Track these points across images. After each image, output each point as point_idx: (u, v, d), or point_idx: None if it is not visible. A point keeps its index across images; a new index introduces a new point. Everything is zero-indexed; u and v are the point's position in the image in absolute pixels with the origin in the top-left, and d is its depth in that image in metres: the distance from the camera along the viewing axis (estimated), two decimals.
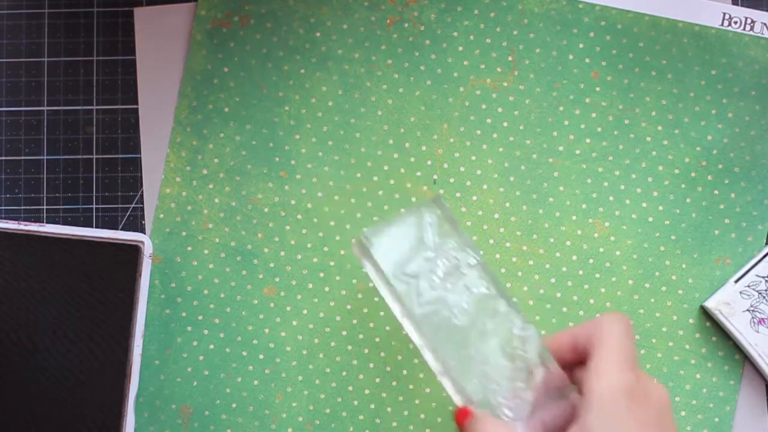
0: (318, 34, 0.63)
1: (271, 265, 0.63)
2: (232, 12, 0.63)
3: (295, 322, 0.62)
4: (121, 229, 0.63)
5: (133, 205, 0.63)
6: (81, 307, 0.60)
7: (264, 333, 0.62)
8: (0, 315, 0.60)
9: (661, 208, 0.62)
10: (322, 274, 0.62)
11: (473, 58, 0.63)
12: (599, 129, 0.63)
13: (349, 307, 0.62)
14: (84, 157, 0.63)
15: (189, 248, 0.62)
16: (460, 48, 0.63)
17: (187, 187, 0.63)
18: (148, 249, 0.61)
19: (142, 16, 0.64)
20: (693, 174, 0.63)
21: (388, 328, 0.62)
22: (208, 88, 0.63)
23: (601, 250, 0.62)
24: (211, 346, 0.62)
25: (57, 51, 0.64)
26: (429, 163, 0.63)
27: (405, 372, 0.62)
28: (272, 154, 0.63)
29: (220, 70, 0.63)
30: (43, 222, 0.62)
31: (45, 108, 0.64)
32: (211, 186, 0.63)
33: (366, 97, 0.63)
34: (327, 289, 0.62)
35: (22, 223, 0.60)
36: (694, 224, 0.62)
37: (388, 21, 0.63)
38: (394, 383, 0.62)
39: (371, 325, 0.62)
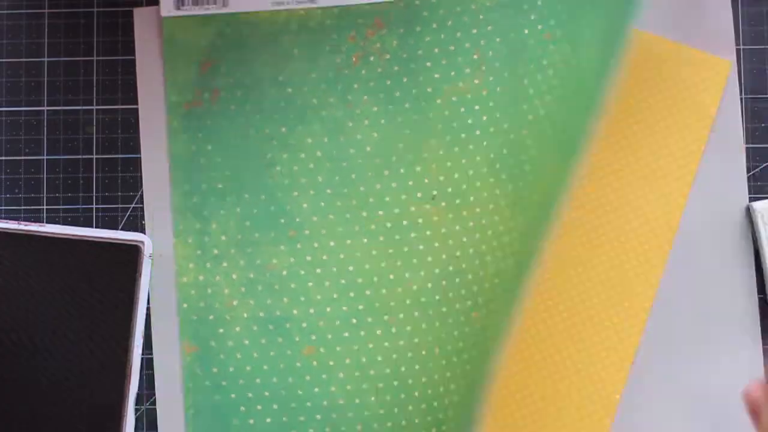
0: (289, 90, 0.63)
1: (304, 325, 0.62)
2: (200, 90, 0.64)
3: (341, 374, 0.61)
4: (121, 229, 0.63)
5: (133, 205, 0.63)
6: (81, 307, 0.60)
7: (315, 393, 0.61)
8: (0, 315, 0.60)
9: None
10: (354, 321, 0.62)
11: (442, 68, 0.63)
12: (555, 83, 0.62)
13: (386, 344, 0.61)
14: (84, 157, 0.64)
15: (221, 331, 0.62)
16: (428, 64, 0.63)
17: (202, 271, 0.63)
18: (148, 249, 0.61)
19: (142, 16, 0.64)
20: None
21: (422, 351, 0.61)
22: (197, 169, 0.63)
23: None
24: (268, 420, 0.62)
25: (57, 51, 0.64)
26: (426, 181, 0.62)
27: (456, 399, 0.60)
28: (276, 217, 0.63)
29: (204, 149, 0.63)
30: (43, 222, 0.63)
31: (45, 108, 0.64)
32: (225, 264, 0.63)
33: (351, 138, 0.63)
34: (362, 333, 0.62)
35: (22, 223, 0.61)
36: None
37: (353, 59, 0.63)
38: (449, 412, 0.61)
39: (409, 354, 0.61)
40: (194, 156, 0.63)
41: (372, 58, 0.63)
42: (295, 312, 0.62)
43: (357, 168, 0.63)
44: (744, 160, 0.62)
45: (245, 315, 0.62)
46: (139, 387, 0.62)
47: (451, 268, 0.61)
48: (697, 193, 0.61)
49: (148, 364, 0.63)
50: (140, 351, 0.61)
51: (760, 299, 0.61)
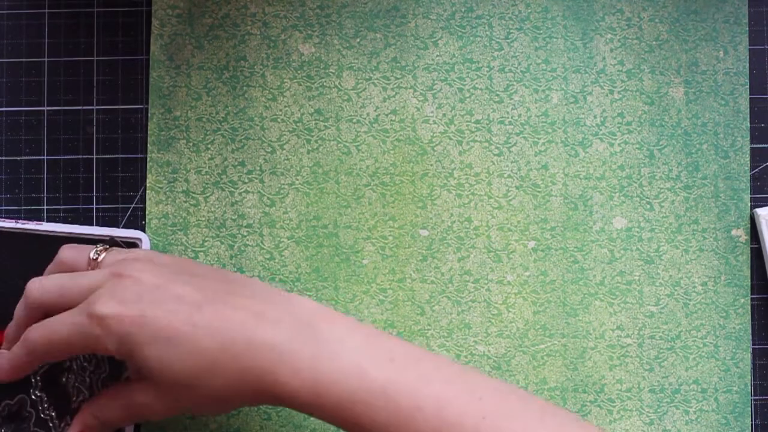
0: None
1: None
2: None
3: None
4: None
5: (133, 206, 0.63)
6: None
7: None
8: None
9: None
10: None
11: None
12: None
13: None
14: (84, 157, 0.64)
15: None
16: None
17: None
18: (145, 245, 0.61)
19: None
20: None
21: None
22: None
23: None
24: None
25: (57, 51, 0.64)
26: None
27: None
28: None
29: None
30: (42, 222, 0.62)
31: (45, 108, 0.64)
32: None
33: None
34: None
35: (19, 221, 0.61)
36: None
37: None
38: None
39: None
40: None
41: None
42: None
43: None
44: (748, 160, 0.62)
45: None
46: None
47: None
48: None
49: None
50: None
51: (763, 300, 0.62)
